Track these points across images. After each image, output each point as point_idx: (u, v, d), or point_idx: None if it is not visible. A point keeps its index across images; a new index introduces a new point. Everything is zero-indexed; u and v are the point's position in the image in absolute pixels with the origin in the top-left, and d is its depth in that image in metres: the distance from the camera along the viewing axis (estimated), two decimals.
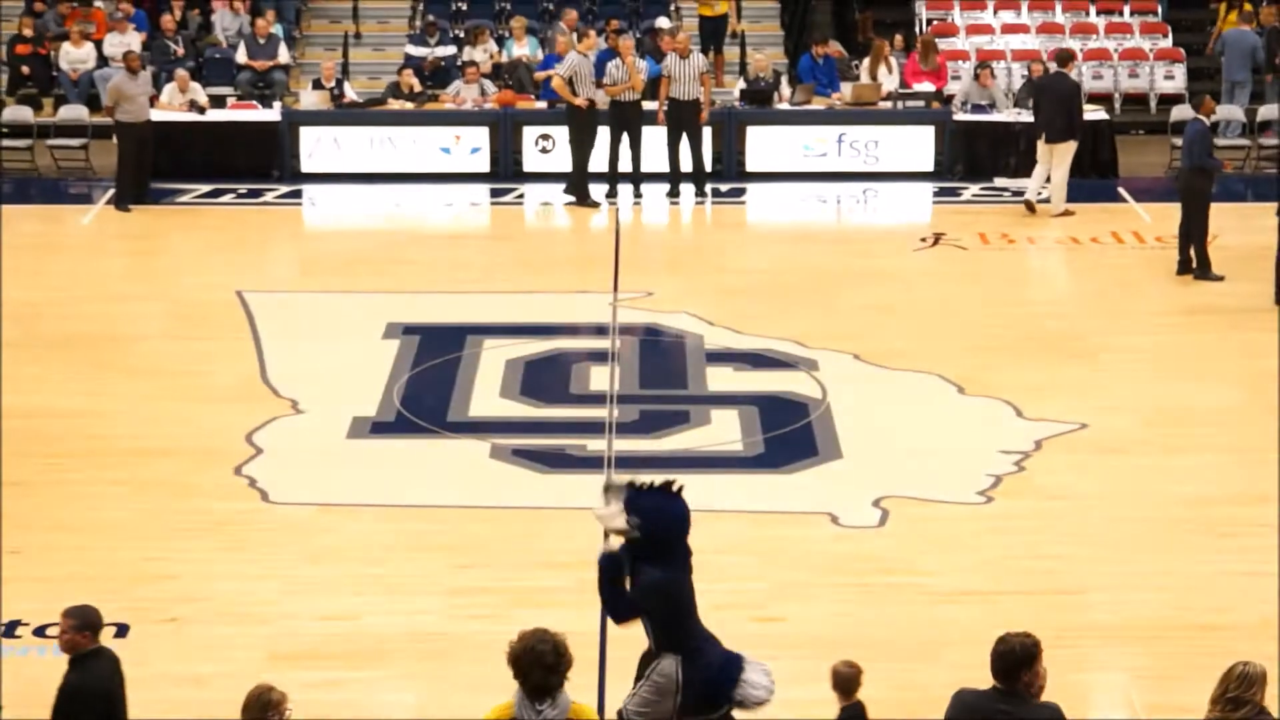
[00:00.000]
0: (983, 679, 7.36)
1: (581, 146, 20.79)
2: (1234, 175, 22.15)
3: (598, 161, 20.93)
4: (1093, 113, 21.22)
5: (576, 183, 20.81)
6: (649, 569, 8.56)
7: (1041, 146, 20.18)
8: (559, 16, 24.15)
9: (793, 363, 15.33)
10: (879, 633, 10.59)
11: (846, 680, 8.28)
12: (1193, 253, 17.62)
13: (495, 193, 21.50)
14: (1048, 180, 20.13)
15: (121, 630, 10.43)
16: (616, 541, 8.62)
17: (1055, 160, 20.02)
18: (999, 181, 21.58)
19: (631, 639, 10.48)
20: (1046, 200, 20.21)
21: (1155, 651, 10.33)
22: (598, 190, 20.89)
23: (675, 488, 8.60)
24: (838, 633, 10.59)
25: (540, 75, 22.45)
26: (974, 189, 21.49)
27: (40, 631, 10.51)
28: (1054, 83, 20.44)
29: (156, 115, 21.50)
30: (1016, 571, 11.39)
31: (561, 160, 21.21)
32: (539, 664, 7.17)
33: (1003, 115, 22.10)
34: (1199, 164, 17.55)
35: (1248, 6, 24.28)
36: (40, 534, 11.93)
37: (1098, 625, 10.67)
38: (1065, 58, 20.92)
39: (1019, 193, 21.08)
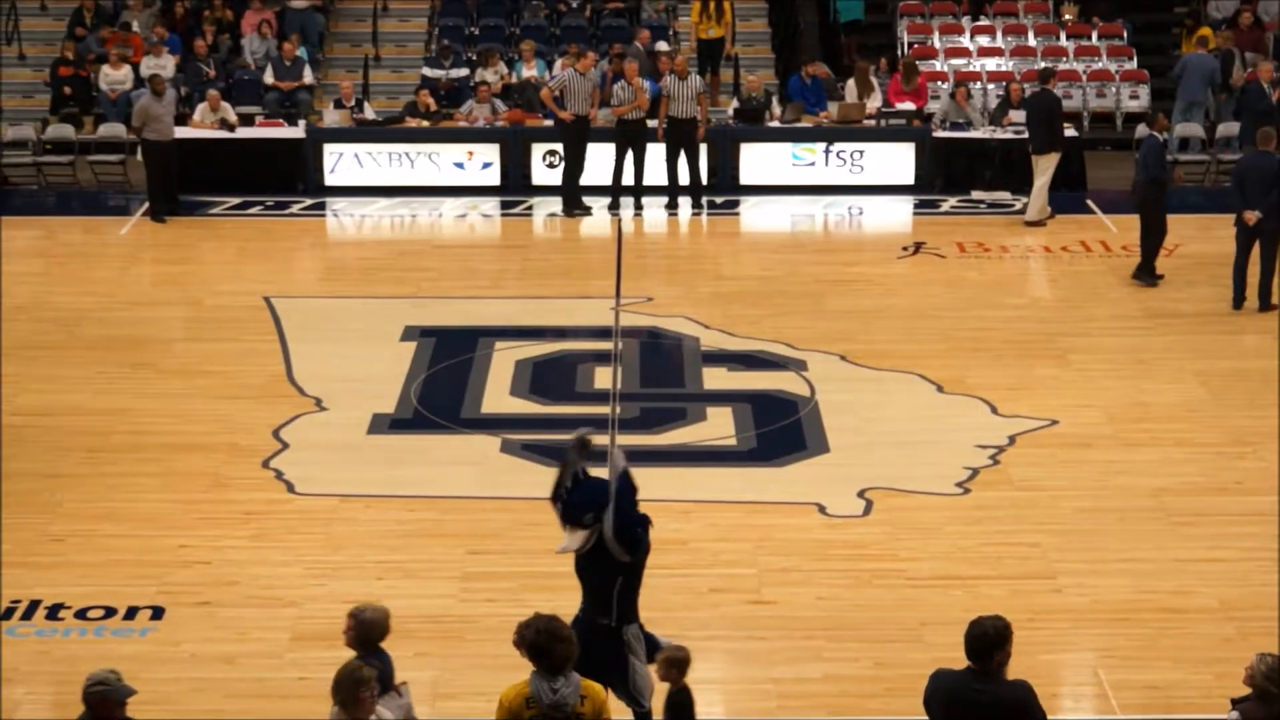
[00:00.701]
0: (961, 659, 7.37)
1: (566, 158, 20.90)
2: (1195, 188, 22.18)
3: (601, 174, 20.96)
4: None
5: (565, 191, 20.86)
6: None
7: (1033, 159, 20.33)
8: (565, 40, 24.19)
9: (783, 363, 15.33)
10: (863, 615, 10.60)
11: (682, 664, 8.18)
12: (1149, 255, 17.61)
13: (505, 205, 21.49)
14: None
15: (157, 613, 10.46)
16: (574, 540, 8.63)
17: (1038, 170, 20.07)
18: (975, 194, 21.55)
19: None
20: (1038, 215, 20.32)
21: (1121, 632, 10.34)
22: (591, 201, 20.92)
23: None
24: (824, 615, 10.61)
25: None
26: (952, 201, 21.47)
27: (82, 614, 10.54)
28: (1037, 98, 20.52)
29: (191, 133, 21.55)
30: (991, 558, 11.41)
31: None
32: (556, 637, 7.19)
33: (979, 132, 22.08)
34: (1153, 176, 17.54)
35: (1204, 31, 24.20)
36: (83, 523, 11.96)
37: (1067, 608, 10.69)
38: (1047, 74, 20.97)
39: (995, 205, 21.13)
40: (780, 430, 13.83)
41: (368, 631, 7.86)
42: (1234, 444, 13.40)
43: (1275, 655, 7.41)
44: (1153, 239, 17.55)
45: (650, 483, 12.58)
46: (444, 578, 11.13)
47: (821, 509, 12.24)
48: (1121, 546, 11.56)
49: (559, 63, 22.71)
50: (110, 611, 10.57)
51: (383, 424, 14.00)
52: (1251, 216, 16.32)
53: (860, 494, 12.44)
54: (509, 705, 7.19)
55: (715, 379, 15.09)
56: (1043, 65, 22.78)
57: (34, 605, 10.57)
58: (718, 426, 13.94)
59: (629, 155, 20.86)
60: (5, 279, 18.60)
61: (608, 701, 7.35)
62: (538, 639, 7.18)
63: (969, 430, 13.69)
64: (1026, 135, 20.64)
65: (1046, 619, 10.38)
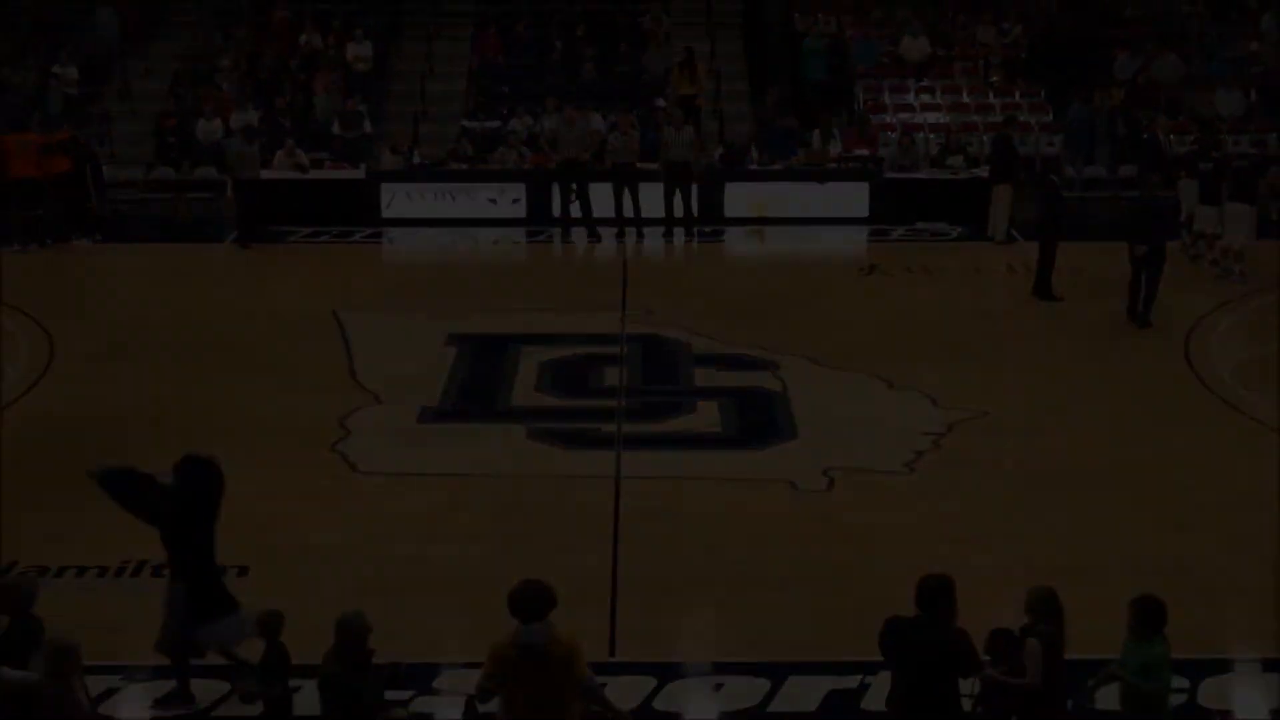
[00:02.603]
0: (910, 609, 7.36)
1: (561, 193, 21.07)
2: (1098, 219, 22.15)
3: (606, 208, 20.99)
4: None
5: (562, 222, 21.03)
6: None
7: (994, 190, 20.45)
8: (581, 97, 24.18)
9: (760, 364, 15.32)
10: (828, 572, 10.60)
11: (262, 623, 8.30)
12: (1043, 277, 17.65)
13: (531, 234, 21.49)
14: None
15: (243, 570, 10.43)
16: None
17: (995, 199, 20.31)
18: (920, 225, 21.58)
19: (641, 578, 10.50)
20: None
21: (1037, 583, 10.28)
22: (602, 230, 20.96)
23: (207, 456, 8.87)
24: (797, 572, 10.60)
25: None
26: (900, 231, 21.46)
27: None
28: (999, 141, 20.74)
29: (270, 174, 21.57)
30: (934, 524, 11.40)
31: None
32: (525, 597, 7.29)
33: (922, 174, 22.13)
34: (1047, 214, 17.65)
35: (1114, 92, 24.22)
36: None
37: (996, 565, 10.64)
38: (1010, 121, 21.26)
39: (935, 234, 21.16)
40: (758, 420, 13.82)
41: (14, 600, 7.86)
42: (1131, 431, 13.40)
43: (1046, 586, 7.75)
44: (1045, 265, 17.61)
45: (651, 463, 12.71)
46: (480, 540, 11.12)
47: (793, 484, 12.23)
48: (1038, 514, 11.56)
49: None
50: None
51: (429, 414, 13.99)
52: (1140, 250, 16.40)
53: (825, 472, 12.44)
54: (497, 650, 7.26)
55: (704, 377, 15.07)
56: (1004, 117, 22.91)
57: (141, 565, 10.56)
58: (707, 417, 13.93)
59: (625, 192, 20.89)
60: (120, 295, 18.64)
61: (580, 646, 7.35)
62: (515, 600, 7.27)
63: (914, 419, 13.69)
64: (988, 173, 20.78)
65: (979, 574, 10.33)
